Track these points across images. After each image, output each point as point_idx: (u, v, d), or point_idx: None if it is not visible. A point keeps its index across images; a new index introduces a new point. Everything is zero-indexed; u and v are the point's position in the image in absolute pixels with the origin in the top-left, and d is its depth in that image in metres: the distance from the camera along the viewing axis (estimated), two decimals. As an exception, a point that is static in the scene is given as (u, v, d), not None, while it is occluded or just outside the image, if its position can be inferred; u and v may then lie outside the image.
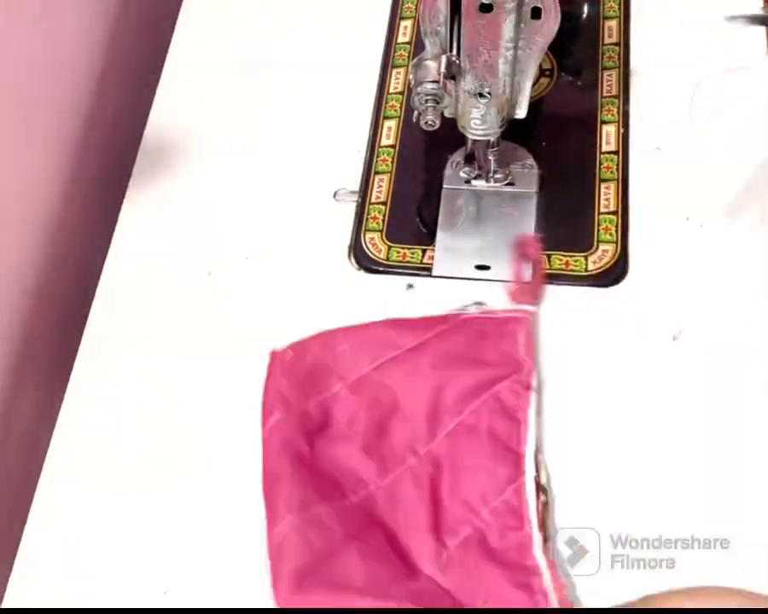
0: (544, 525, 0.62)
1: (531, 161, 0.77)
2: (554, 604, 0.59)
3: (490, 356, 0.67)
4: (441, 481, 0.64)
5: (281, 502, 0.63)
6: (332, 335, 0.69)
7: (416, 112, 0.68)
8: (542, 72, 0.82)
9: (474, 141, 0.73)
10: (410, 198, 0.77)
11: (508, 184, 0.76)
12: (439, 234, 0.75)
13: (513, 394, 0.66)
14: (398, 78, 0.84)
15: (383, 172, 0.79)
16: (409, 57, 0.84)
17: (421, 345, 0.68)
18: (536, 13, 0.66)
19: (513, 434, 0.65)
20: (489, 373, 0.67)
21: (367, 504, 0.64)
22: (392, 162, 0.79)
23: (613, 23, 0.85)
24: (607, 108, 0.80)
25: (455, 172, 0.77)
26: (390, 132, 0.81)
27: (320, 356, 0.68)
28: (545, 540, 0.61)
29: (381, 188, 0.78)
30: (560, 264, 0.73)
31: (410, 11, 0.88)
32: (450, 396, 0.66)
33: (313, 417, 0.66)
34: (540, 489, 0.63)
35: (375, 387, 0.67)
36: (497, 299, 0.71)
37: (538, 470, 0.64)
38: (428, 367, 0.67)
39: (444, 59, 0.67)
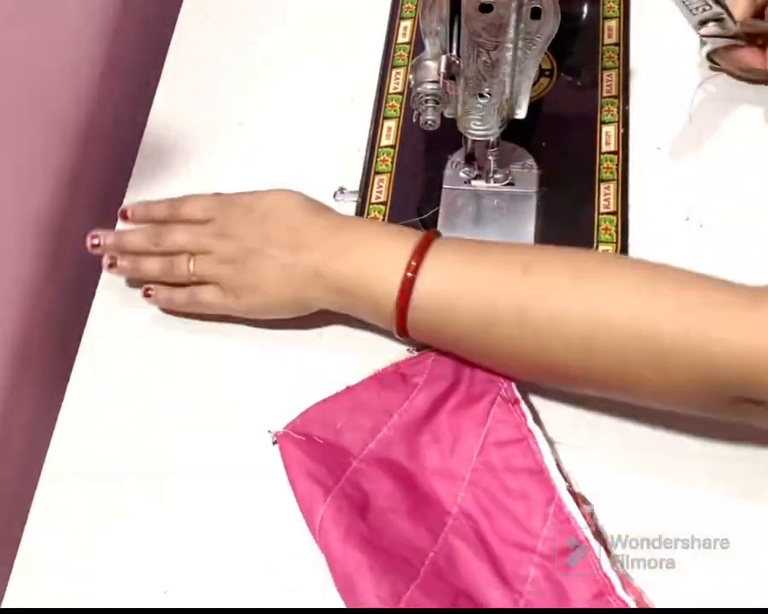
0: (599, 534, 0.61)
1: (531, 161, 0.77)
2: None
3: (471, 390, 0.66)
4: (484, 531, 0.62)
5: (370, 598, 0.59)
6: (324, 408, 0.67)
7: (415, 112, 0.68)
8: (542, 72, 0.82)
9: (474, 141, 0.73)
10: (410, 198, 0.77)
11: (508, 184, 0.76)
12: (439, 234, 0.75)
13: (505, 415, 0.64)
14: (398, 78, 0.84)
15: (383, 172, 0.79)
16: (409, 57, 0.84)
17: (408, 409, 0.66)
18: (536, 13, 0.66)
19: (527, 454, 0.63)
20: (478, 408, 0.65)
21: (433, 572, 0.61)
22: (392, 162, 0.79)
23: (613, 23, 0.85)
24: (607, 108, 0.80)
25: (455, 172, 0.77)
26: (390, 132, 0.81)
27: (324, 436, 0.66)
28: (607, 550, 0.60)
29: (381, 188, 0.78)
30: (560, 264, 0.72)
31: (410, 11, 0.88)
32: (453, 449, 0.65)
33: (352, 496, 0.63)
34: (579, 498, 0.62)
35: (385, 461, 0.65)
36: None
37: (567, 479, 0.62)
38: (424, 430, 0.66)
39: (444, 59, 0.67)
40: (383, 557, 0.61)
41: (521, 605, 0.60)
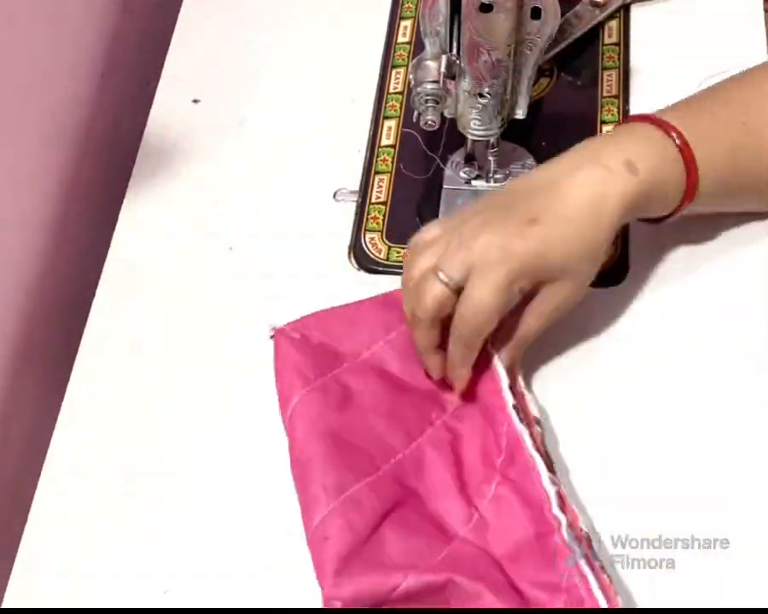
0: (547, 456, 0.62)
1: (531, 161, 0.77)
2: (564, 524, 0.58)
3: None
4: (460, 446, 0.64)
5: (316, 487, 0.61)
6: (324, 318, 0.69)
7: (416, 112, 0.69)
8: (542, 72, 0.82)
9: (474, 141, 0.73)
10: (410, 198, 0.77)
11: (507, 184, 0.76)
12: (439, 234, 0.75)
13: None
14: (398, 78, 0.84)
15: (383, 172, 0.79)
16: (409, 57, 0.84)
17: (407, 331, 0.67)
18: (536, 13, 0.66)
19: (493, 377, 0.64)
20: None
21: (396, 472, 0.63)
22: (392, 162, 0.79)
23: (613, 23, 0.85)
24: (607, 108, 0.80)
25: (455, 172, 0.77)
26: (390, 132, 0.81)
27: (321, 339, 0.68)
28: (551, 469, 0.60)
29: (381, 188, 0.78)
30: (560, 264, 0.72)
31: (410, 11, 0.88)
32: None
33: (333, 390, 0.65)
34: (533, 420, 0.63)
35: (377, 368, 0.67)
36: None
37: (522, 404, 0.63)
38: None
39: (444, 59, 0.67)
40: (344, 450, 0.62)
41: (473, 521, 0.61)
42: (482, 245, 0.60)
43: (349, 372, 0.67)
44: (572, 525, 0.58)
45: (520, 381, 0.66)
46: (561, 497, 0.59)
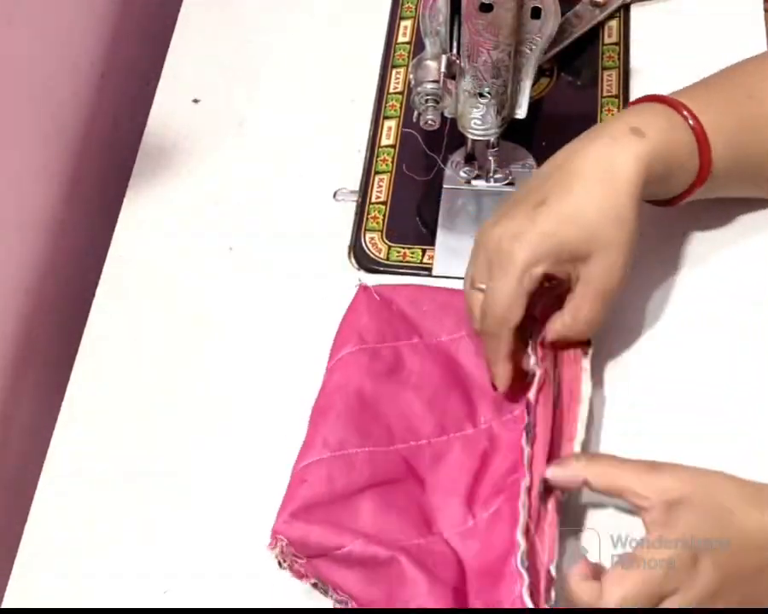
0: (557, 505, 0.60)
1: (531, 161, 0.77)
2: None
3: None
4: (493, 456, 0.63)
5: (319, 436, 0.62)
6: (419, 292, 0.69)
7: (416, 112, 0.69)
8: (542, 72, 0.82)
9: (474, 141, 0.73)
10: (410, 198, 0.77)
11: (508, 184, 0.76)
12: (439, 234, 0.75)
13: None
14: (398, 78, 0.84)
15: (383, 172, 0.79)
16: (409, 57, 0.84)
17: None
18: (536, 13, 0.66)
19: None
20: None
21: (412, 455, 0.63)
22: (392, 162, 0.79)
23: (613, 23, 0.85)
24: (607, 108, 0.80)
25: (455, 172, 0.77)
26: (390, 132, 0.81)
27: (405, 309, 0.68)
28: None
29: (381, 188, 0.78)
30: (560, 264, 0.72)
31: (410, 11, 0.88)
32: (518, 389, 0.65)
33: (385, 358, 0.65)
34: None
35: (446, 355, 0.67)
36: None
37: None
38: None
39: (444, 59, 0.67)
40: (365, 414, 0.63)
41: (466, 527, 0.60)
42: (495, 240, 0.62)
43: (412, 348, 0.66)
44: (533, 589, 0.56)
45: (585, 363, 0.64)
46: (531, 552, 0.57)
